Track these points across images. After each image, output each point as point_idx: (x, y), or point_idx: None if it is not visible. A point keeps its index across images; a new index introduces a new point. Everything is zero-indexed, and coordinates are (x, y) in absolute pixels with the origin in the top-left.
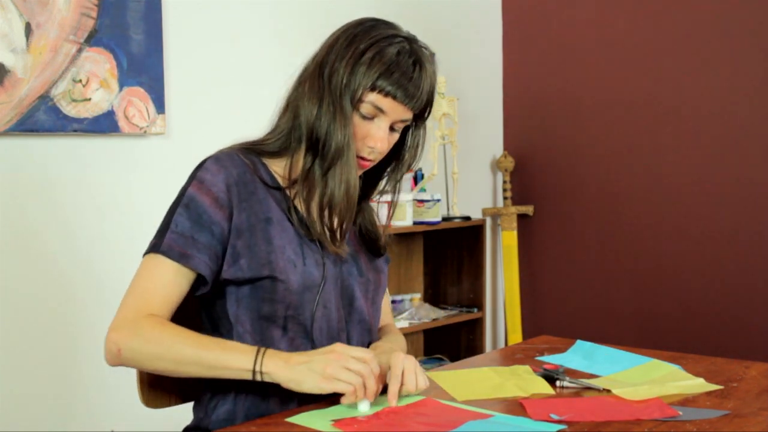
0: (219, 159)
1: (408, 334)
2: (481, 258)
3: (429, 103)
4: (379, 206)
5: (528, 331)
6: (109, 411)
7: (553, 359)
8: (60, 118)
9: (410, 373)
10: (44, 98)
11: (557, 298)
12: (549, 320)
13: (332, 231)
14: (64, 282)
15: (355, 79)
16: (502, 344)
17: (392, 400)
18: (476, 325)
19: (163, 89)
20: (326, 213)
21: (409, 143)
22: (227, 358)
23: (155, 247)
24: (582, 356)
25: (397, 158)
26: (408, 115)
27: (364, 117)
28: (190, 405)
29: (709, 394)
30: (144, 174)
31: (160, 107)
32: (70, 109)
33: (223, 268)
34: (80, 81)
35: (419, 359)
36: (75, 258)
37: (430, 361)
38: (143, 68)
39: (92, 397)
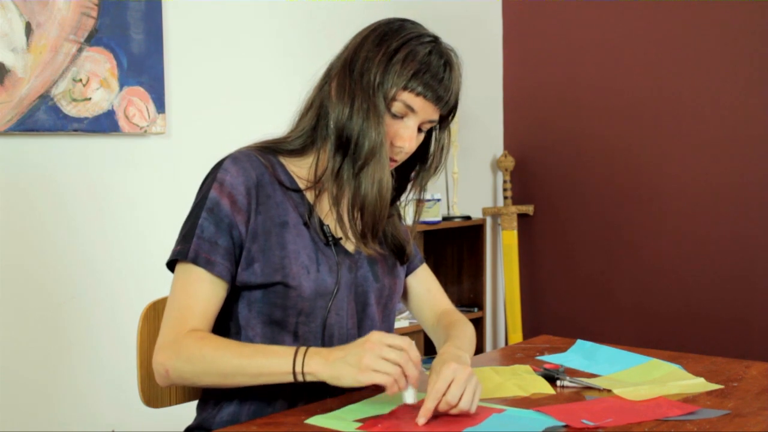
0: (238, 160)
1: (408, 333)
2: (482, 258)
3: (456, 105)
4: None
5: (528, 331)
6: (109, 411)
7: (553, 359)
8: (60, 118)
9: (458, 386)
10: (44, 98)
11: (557, 297)
12: (549, 320)
13: (363, 232)
14: (65, 281)
15: (389, 78)
16: (502, 344)
17: (421, 417)
18: (476, 324)
19: (163, 89)
20: (357, 214)
21: (433, 146)
22: (269, 363)
23: (182, 254)
24: (582, 356)
25: (421, 161)
26: (436, 115)
27: (394, 116)
28: (190, 404)
29: (709, 393)
30: (144, 174)
31: (160, 107)
32: (70, 109)
33: (237, 271)
34: (80, 80)
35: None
36: (75, 258)
37: (429, 361)
38: (143, 68)
39: (92, 397)
